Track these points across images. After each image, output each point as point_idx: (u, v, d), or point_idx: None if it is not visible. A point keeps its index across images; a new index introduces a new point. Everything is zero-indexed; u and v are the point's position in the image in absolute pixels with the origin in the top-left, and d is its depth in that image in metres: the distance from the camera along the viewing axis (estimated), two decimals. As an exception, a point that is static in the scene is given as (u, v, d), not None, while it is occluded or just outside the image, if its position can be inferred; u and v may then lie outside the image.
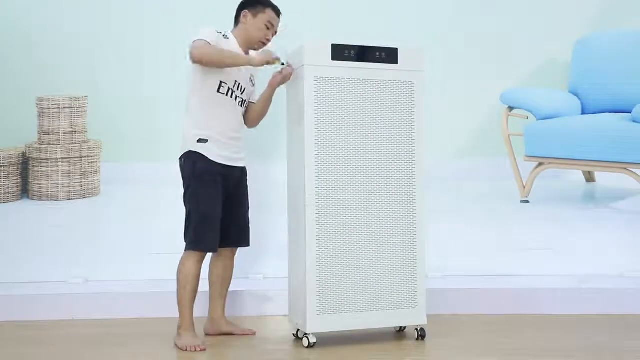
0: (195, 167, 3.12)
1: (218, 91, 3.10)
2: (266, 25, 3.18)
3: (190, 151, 3.14)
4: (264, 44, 3.22)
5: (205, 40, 3.04)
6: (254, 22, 3.19)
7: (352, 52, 3.04)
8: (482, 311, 3.45)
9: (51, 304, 3.44)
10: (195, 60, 3.02)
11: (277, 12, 3.21)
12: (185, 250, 3.15)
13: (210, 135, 3.11)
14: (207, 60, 3.02)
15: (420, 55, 3.15)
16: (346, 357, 2.98)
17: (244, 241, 3.27)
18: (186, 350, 3.04)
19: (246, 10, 3.20)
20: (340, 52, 3.03)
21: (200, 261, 3.13)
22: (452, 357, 3.00)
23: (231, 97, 3.13)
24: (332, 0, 6.27)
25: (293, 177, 3.15)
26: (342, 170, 3.05)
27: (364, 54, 3.06)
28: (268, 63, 3.08)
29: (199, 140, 3.11)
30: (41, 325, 3.35)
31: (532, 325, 3.31)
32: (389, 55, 3.09)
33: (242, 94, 3.17)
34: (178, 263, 3.14)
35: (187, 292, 3.08)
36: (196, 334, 3.11)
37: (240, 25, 3.21)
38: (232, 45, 3.15)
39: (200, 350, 3.04)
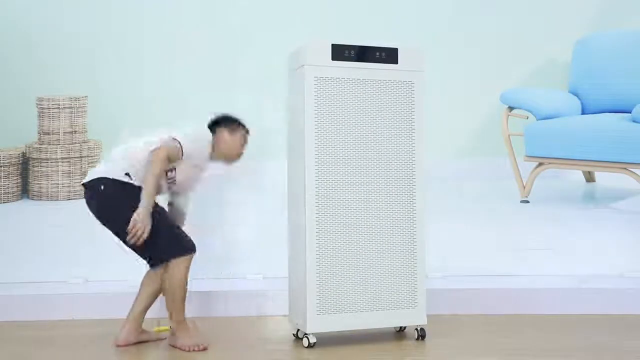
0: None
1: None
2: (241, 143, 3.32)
3: (126, 174, 3.14)
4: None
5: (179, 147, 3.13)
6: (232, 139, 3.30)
7: (352, 52, 3.04)
8: (482, 311, 3.45)
9: (51, 304, 3.44)
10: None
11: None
12: (172, 259, 3.08)
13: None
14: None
15: (420, 55, 3.15)
16: (346, 357, 2.98)
17: None
18: (189, 350, 3.04)
19: (223, 128, 3.30)
20: (340, 52, 3.03)
21: (189, 266, 3.12)
22: (452, 357, 3.00)
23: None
24: (332, 1, 6.27)
25: (293, 177, 3.15)
26: (342, 170, 3.05)
27: (364, 54, 3.06)
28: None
29: (127, 174, 3.14)
30: (41, 325, 3.35)
31: (532, 325, 3.31)
32: (389, 55, 3.09)
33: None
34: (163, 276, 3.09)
35: (182, 294, 3.09)
36: (195, 333, 3.11)
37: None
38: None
39: (203, 349, 3.05)
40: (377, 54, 3.07)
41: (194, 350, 3.05)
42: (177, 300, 3.09)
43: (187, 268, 3.10)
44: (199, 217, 5.01)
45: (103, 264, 3.90)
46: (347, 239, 3.05)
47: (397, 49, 3.10)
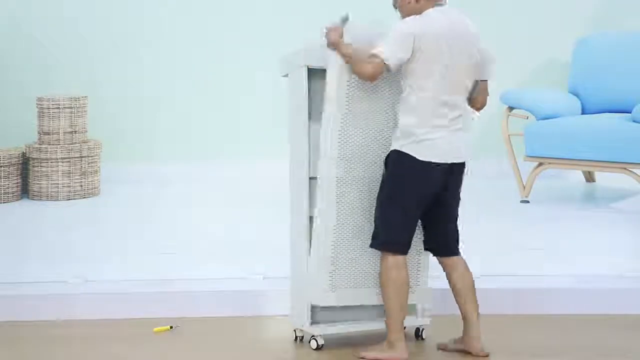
0: None
1: None
2: None
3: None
4: None
5: None
6: None
7: None
8: (482, 311, 3.43)
9: (51, 304, 3.43)
10: None
11: None
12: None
13: None
14: None
15: None
16: (346, 357, 2.98)
17: None
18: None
19: None
20: None
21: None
22: (452, 357, 3.00)
23: None
24: (333, 2, 6.26)
25: (294, 177, 3.15)
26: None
27: None
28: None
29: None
30: (41, 325, 3.35)
31: (532, 325, 3.31)
32: None
33: None
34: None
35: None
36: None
37: None
38: None
39: None
40: None
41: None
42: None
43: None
44: (199, 217, 5.01)
45: (103, 264, 3.90)
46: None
47: None
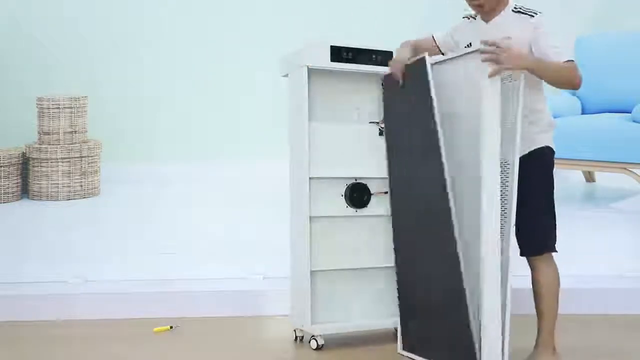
0: None
1: None
2: None
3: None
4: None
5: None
6: None
7: (350, 53, 3.06)
8: (482, 311, 3.44)
9: (51, 304, 3.43)
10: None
11: None
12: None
13: None
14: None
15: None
16: (347, 358, 2.98)
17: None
18: None
19: None
20: (338, 54, 3.05)
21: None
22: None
23: None
24: (333, 2, 6.27)
25: (294, 177, 3.15)
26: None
27: (361, 56, 3.06)
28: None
29: None
30: (41, 325, 3.35)
31: (532, 325, 3.31)
32: (384, 58, 3.11)
33: None
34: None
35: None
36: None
37: None
38: None
39: None
40: (374, 56, 3.09)
41: None
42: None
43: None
44: (199, 217, 5.02)
45: (103, 264, 3.90)
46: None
47: (392, 52, 3.11)
